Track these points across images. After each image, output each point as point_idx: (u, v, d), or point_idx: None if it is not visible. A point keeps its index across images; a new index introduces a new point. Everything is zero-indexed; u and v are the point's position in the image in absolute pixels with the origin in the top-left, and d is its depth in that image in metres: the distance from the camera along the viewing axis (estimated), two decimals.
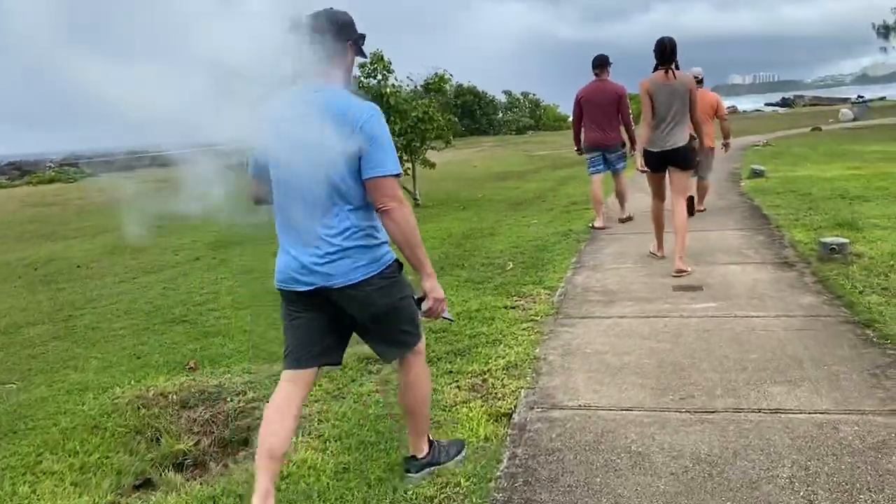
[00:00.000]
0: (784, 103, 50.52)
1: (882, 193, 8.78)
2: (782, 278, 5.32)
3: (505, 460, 2.94)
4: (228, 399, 3.86)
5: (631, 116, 8.04)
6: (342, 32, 2.57)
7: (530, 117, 43.99)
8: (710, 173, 8.51)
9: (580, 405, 3.37)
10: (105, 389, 4.15)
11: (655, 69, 5.84)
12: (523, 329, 4.57)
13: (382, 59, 10.42)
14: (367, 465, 3.02)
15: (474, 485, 2.77)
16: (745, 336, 4.12)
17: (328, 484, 2.90)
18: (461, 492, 2.74)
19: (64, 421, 3.79)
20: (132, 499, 3.11)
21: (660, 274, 5.74)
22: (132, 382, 4.20)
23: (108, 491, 3.14)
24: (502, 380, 3.76)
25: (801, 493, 2.53)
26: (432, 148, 11.38)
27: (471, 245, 7.79)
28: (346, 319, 2.65)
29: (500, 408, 3.43)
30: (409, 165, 11.17)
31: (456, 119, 11.25)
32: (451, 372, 3.97)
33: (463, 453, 3.01)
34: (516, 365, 3.95)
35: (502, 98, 43.06)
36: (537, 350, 4.16)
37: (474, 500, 2.67)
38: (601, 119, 7.78)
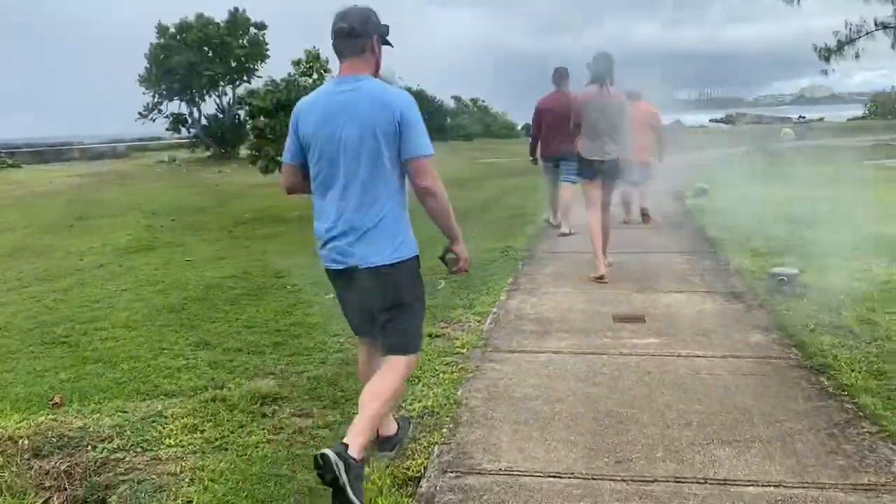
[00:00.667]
0: (728, 120, 51.37)
1: (826, 218, 8.58)
2: (729, 311, 4.95)
3: None
4: (91, 447, 3.25)
5: None
6: (368, 28, 2.75)
7: (479, 124, 43.71)
8: (647, 183, 8.64)
9: (502, 468, 2.88)
10: None
11: (591, 83, 6.06)
12: (446, 364, 4.08)
13: (318, 57, 9.84)
14: None
15: None
16: (689, 381, 3.70)
17: None
18: None
19: None
20: None
21: (599, 301, 5.32)
22: None
23: None
24: (415, 431, 3.26)
25: None
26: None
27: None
28: (369, 300, 2.81)
29: (409, 469, 2.92)
30: None
31: None
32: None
33: (410, 428, 3.23)
34: (433, 411, 3.45)
35: (451, 104, 42.59)
36: (459, 392, 3.66)
37: None
38: (560, 129, 7.59)
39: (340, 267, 2.78)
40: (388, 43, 2.87)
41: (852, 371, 3.70)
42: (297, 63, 9.88)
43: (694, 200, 10.56)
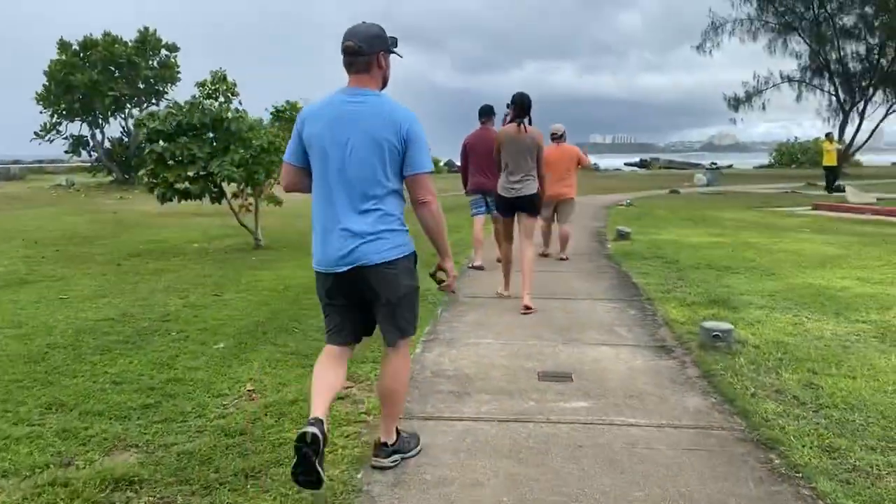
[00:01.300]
0: (642, 164, 52.87)
1: (748, 265, 8.44)
2: (661, 368, 4.54)
3: None
4: None
5: None
6: (375, 44, 2.89)
7: None
8: (569, 222, 9.08)
9: None
10: None
11: (510, 122, 6.33)
12: (347, 437, 3.47)
13: (226, 79, 9.16)
14: None
15: None
16: (625, 458, 3.22)
17: None
18: None
19: None
20: None
21: (523, 354, 4.82)
22: None
23: None
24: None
25: None
26: (280, 183, 10.12)
27: (310, 301, 6.60)
28: (369, 296, 2.95)
29: None
30: (251, 201, 9.87)
31: None
32: None
33: (419, 447, 3.27)
34: (326, 502, 2.83)
35: None
36: (360, 475, 3.06)
37: None
38: (485, 165, 7.62)
39: (342, 269, 2.88)
40: (396, 54, 3.03)
41: (803, 447, 3.29)
42: (201, 84, 9.17)
43: (616, 244, 10.32)
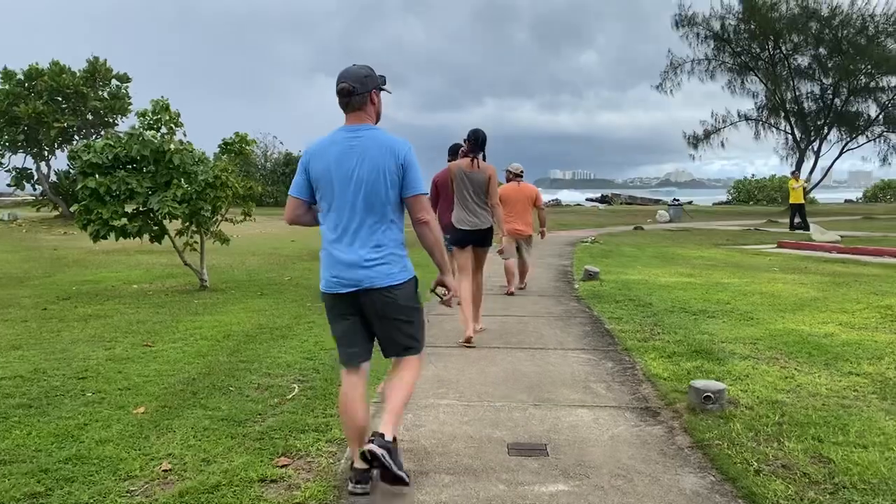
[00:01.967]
0: (603, 199, 53.10)
1: (724, 308, 7.99)
2: (648, 437, 3.97)
3: None
4: None
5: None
6: (367, 83, 3.19)
7: None
8: (529, 255, 9.54)
9: None
10: None
11: (464, 156, 6.53)
12: None
13: (168, 108, 8.50)
14: None
15: None
16: None
17: None
18: None
19: None
20: None
21: (490, 420, 4.22)
22: None
23: None
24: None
25: None
26: (228, 219, 9.45)
27: (251, 352, 5.94)
28: (373, 318, 3.19)
29: None
30: (197, 238, 9.17)
31: (260, 188, 9.42)
32: None
33: (405, 472, 3.14)
34: None
35: None
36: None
37: None
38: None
39: (352, 290, 3.11)
40: (386, 90, 3.30)
41: None
42: (142, 114, 8.50)
43: (585, 285, 9.82)
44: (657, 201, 52.07)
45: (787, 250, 15.75)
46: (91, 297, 8.75)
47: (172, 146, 8.29)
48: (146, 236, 8.71)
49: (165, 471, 3.46)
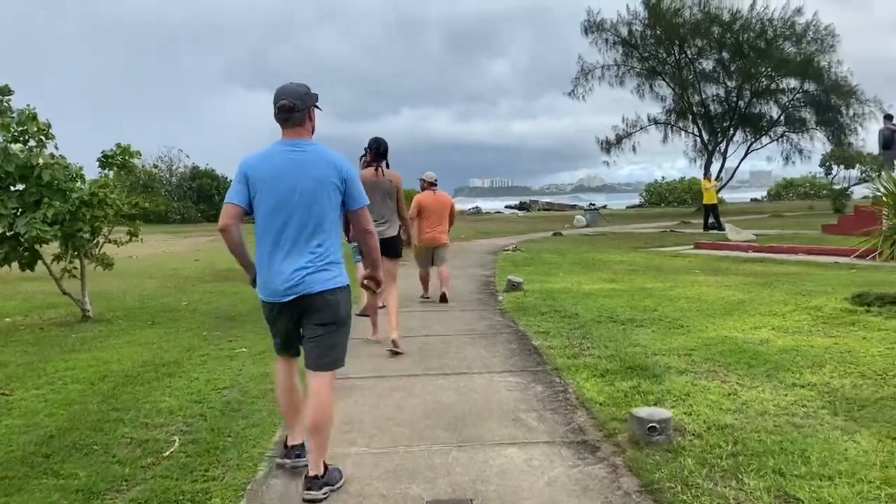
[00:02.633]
0: (522, 206, 53.37)
1: (652, 316, 7.62)
2: (590, 481, 3.41)
3: None
4: None
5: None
6: (306, 100, 3.35)
7: None
8: (445, 263, 9.40)
9: None
10: None
11: (367, 165, 6.48)
12: None
13: (36, 118, 7.51)
14: None
15: None
16: None
17: None
18: None
19: None
20: None
21: (407, 469, 3.58)
22: None
23: None
24: None
25: None
26: (112, 241, 8.46)
27: (129, 397, 5.11)
28: (306, 321, 3.34)
29: None
30: (76, 263, 8.17)
31: (148, 204, 8.49)
32: None
33: (343, 479, 3.42)
34: None
35: None
36: None
37: None
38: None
39: (290, 298, 3.25)
40: (318, 108, 3.47)
41: None
42: (4, 127, 7.48)
43: (509, 296, 9.31)
44: (573, 206, 52.72)
45: (704, 251, 15.76)
46: None
47: (41, 161, 7.30)
48: (15, 264, 7.67)
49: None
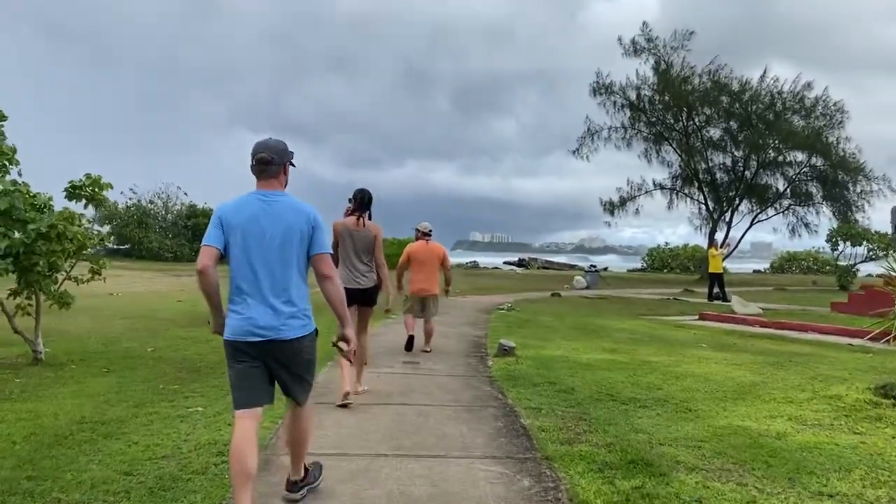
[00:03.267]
0: (521, 264, 52.79)
1: (656, 395, 6.91)
2: None
3: None
4: None
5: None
6: (283, 156, 3.61)
7: None
8: (434, 317, 9.46)
9: None
10: None
11: (349, 214, 6.51)
12: None
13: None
14: None
15: None
16: None
17: None
18: None
19: None
20: None
21: None
22: None
23: None
24: None
25: None
26: (73, 278, 7.80)
27: (50, 462, 4.39)
28: (276, 366, 3.49)
29: None
30: (31, 301, 7.50)
31: (110, 241, 7.84)
32: None
33: (322, 476, 4.01)
34: None
35: None
36: None
37: None
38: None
39: (260, 339, 3.39)
40: (293, 164, 3.71)
41: None
42: None
43: (499, 362, 8.60)
44: (573, 266, 52.15)
45: (709, 323, 15.08)
46: None
47: (1, 187, 6.70)
48: None
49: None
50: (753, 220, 38.95)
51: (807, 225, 37.87)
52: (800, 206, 37.76)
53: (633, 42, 36.39)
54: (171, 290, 19.10)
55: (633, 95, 37.49)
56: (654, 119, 38.35)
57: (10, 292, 7.53)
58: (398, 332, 10.18)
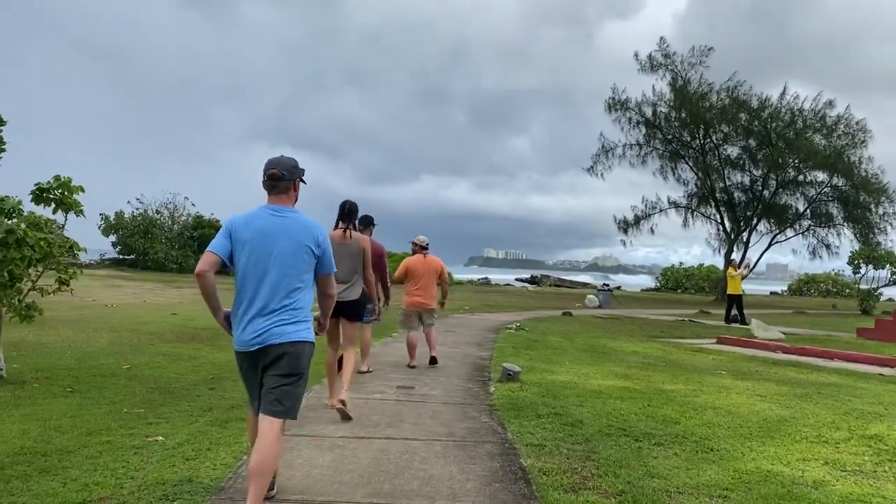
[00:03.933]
0: (533, 281, 52.00)
1: (673, 431, 6.21)
2: None
3: None
4: None
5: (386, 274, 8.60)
6: (294, 173, 3.77)
7: None
8: (433, 326, 9.52)
9: None
10: None
11: (336, 227, 6.43)
12: None
13: None
14: None
15: None
16: None
17: None
18: None
19: None
20: None
21: None
22: None
23: None
24: None
25: None
26: (38, 289, 7.19)
27: None
28: (269, 368, 3.60)
29: None
30: None
31: (81, 250, 7.27)
32: None
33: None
34: None
35: None
36: None
37: None
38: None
39: (258, 347, 3.56)
40: (304, 181, 3.87)
41: None
42: None
43: (502, 388, 7.90)
44: (585, 284, 51.28)
45: (728, 347, 14.29)
46: None
47: None
48: None
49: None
50: (772, 240, 38.05)
51: (828, 246, 36.95)
52: (820, 227, 36.84)
53: (650, 58, 35.78)
54: (169, 303, 18.53)
55: (648, 112, 36.83)
56: (669, 136, 37.62)
57: None
58: (399, 346, 10.47)
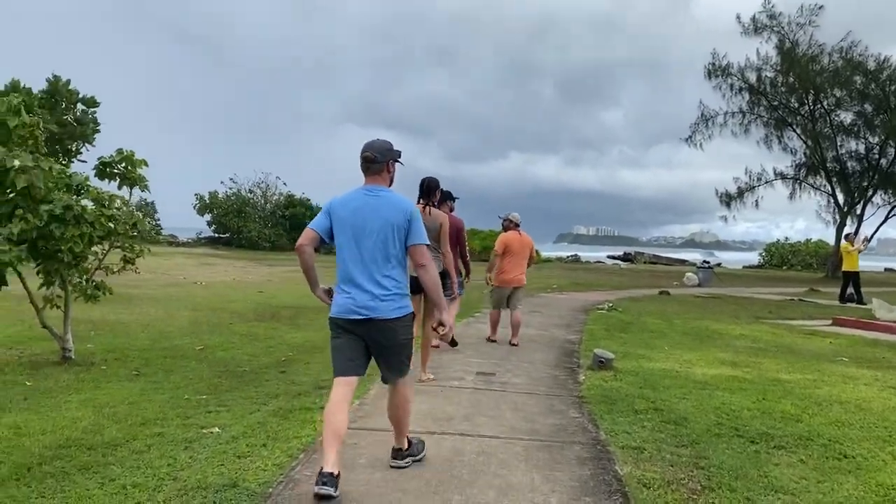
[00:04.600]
0: (626, 258, 50.28)
1: (796, 431, 5.34)
2: None
3: None
4: None
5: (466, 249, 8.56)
6: (387, 155, 3.95)
7: None
8: (520, 307, 9.39)
9: None
10: None
11: (416, 203, 6.50)
12: None
13: (19, 112, 6.09)
14: None
15: None
16: None
17: None
18: None
19: None
20: None
21: None
22: None
23: None
24: None
25: None
26: (104, 268, 6.94)
27: (27, 492, 3.40)
28: (374, 344, 3.86)
29: None
30: (61, 292, 6.68)
31: (148, 224, 6.96)
32: None
33: (425, 451, 4.31)
34: None
35: None
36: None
37: None
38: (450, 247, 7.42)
39: (360, 317, 3.77)
40: (400, 163, 4.07)
41: None
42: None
43: (593, 377, 7.16)
44: (682, 261, 49.19)
45: (846, 329, 12.95)
46: None
47: (17, 163, 5.86)
48: None
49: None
50: (889, 212, 35.14)
51: None
52: None
53: (754, 20, 33.43)
54: (258, 281, 18.56)
55: (752, 77, 34.51)
56: (775, 102, 35.18)
57: (43, 282, 6.76)
58: (481, 330, 10.27)
